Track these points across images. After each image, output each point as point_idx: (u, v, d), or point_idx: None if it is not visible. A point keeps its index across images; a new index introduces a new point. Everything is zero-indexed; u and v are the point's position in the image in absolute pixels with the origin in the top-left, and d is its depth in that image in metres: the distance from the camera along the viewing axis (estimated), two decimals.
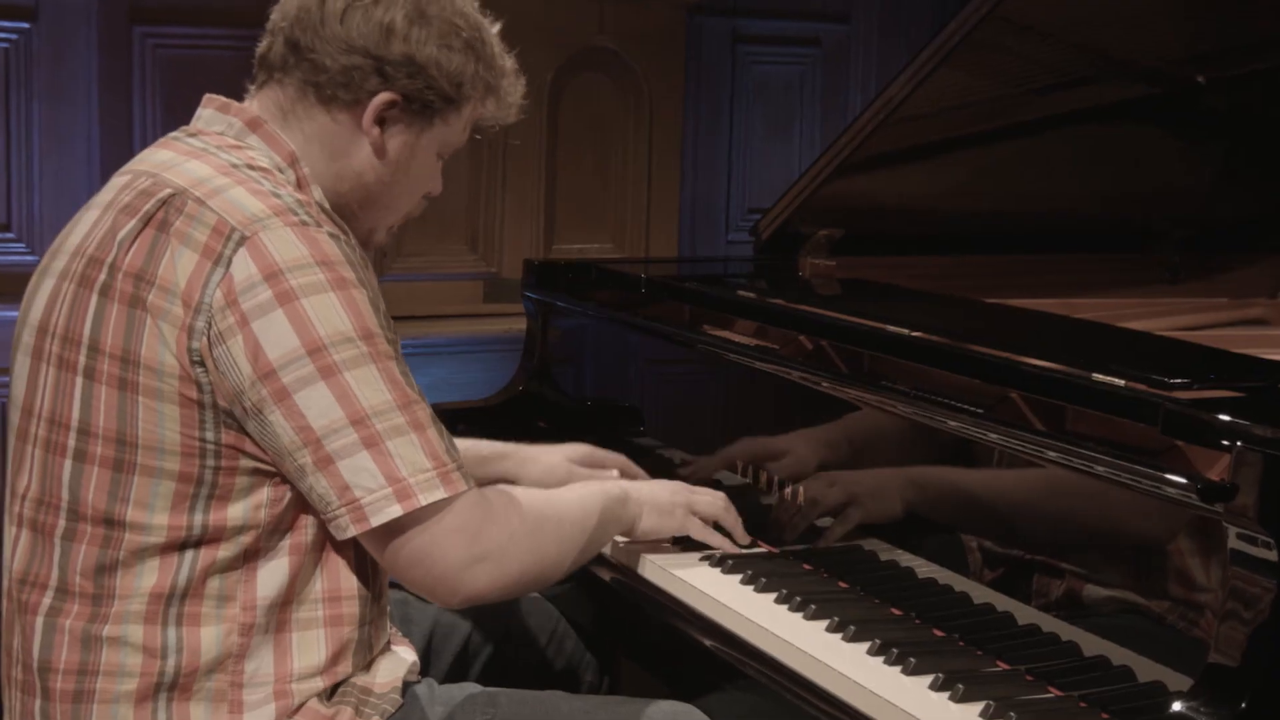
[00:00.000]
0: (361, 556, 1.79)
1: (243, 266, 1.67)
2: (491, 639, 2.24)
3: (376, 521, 1.68)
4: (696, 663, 2.00)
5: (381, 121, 1.84)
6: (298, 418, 1.66)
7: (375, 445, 1.67)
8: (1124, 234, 3.07)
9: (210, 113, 1.87)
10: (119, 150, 3.50)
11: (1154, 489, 1.61)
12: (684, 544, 2.16)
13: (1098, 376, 1.75)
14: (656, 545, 2.17)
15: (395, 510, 1.68)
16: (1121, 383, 1.72)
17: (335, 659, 1.78)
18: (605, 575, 2.17)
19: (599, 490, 2.01)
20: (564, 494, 1.96)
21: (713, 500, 2.15)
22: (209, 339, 1.67)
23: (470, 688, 1.92)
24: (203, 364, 1.67)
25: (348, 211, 1.86)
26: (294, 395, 1.66)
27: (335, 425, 1.67)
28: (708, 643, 1.95)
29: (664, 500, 2.10)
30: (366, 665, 1.83)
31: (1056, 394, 1.78)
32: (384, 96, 1.82)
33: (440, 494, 1.70)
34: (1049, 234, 2.99)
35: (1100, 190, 2.99)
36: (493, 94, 1.92)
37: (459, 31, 1.85)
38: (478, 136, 1.97)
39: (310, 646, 1.76)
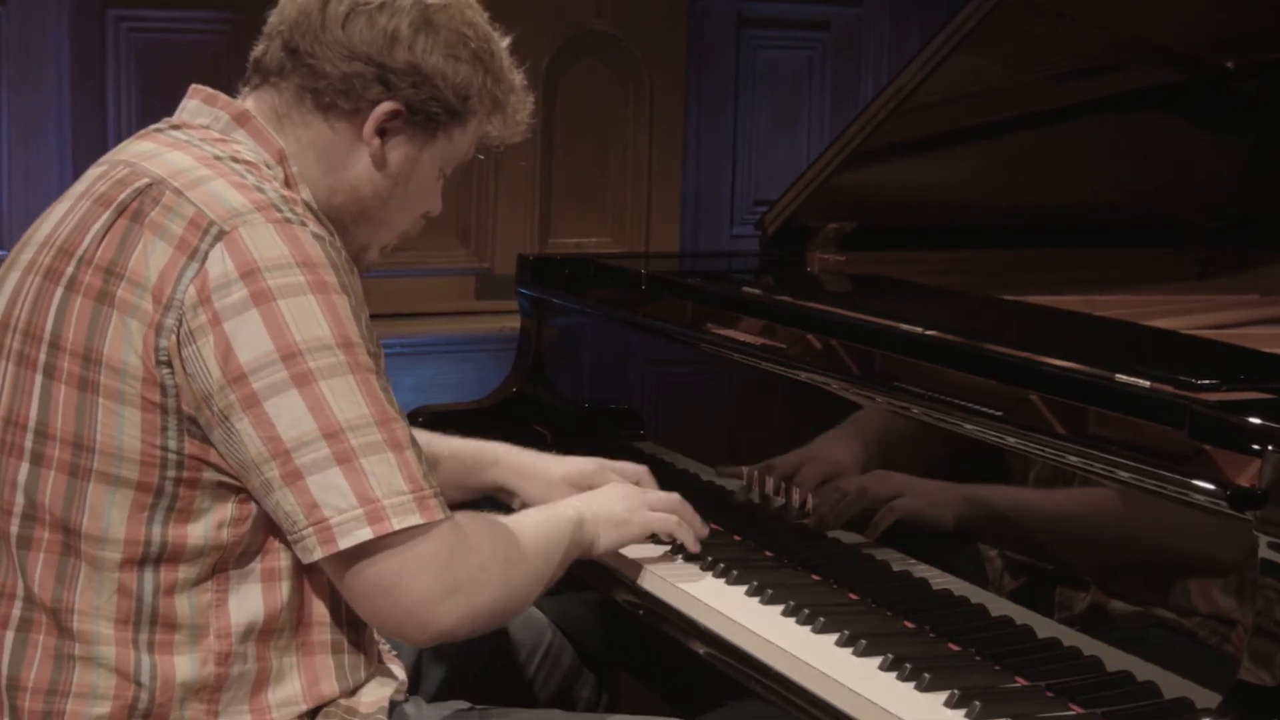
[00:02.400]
0: None
1: (219, 262, 1.66)
2: (484, 654, 2.24)
3: (345, 544, 1.65)
4: (699, 678, 2.00)
5: (382, 133, 1.83)
6: (266, 427, 1.64)
7: (348, 461, 1.65)
8: (1148, 227, 3.07)
9: (196, 104, 1.86)
10: (92, 140, 3.50)
11: (1180, 495, 1.60)
12: (685, 551, 2.16)
13: (1121, 377, 1.75)
14: (655, 555, 2.17)
15: (365, 533, 1.65)
16: (1146, 384, 1.72)
17: (314, 685, 1.77)
18: (603, 587, 2.17)
19: (557, 516, 1.98)
20: (524, 520, 1.93)
21: (667, 497, 2.14)
22: (178, 338, 1.66)
23: (460, 706, 1.92)
24: (169, 365, 1.66)
25: (340, 225, 1.84)
26: (264, 402, 1.64)
27: (306, 438, 1.64)
28: (711, 657, 1.95)
29: (619, 512, 2.07)
30: (352, 687, 1.81)
31: (1078, 395, 1.77)
32: (386, 106, 1.82)
33: (415, 519, 1.67)
34: (1069, 228, 2.99)
35: (1123, 182, 2.98)
36: (500, 110, 1.91)
37: (467, 42, 1.85)
38: (480, 157, 1.97)
39: (286, 676, 1.76)
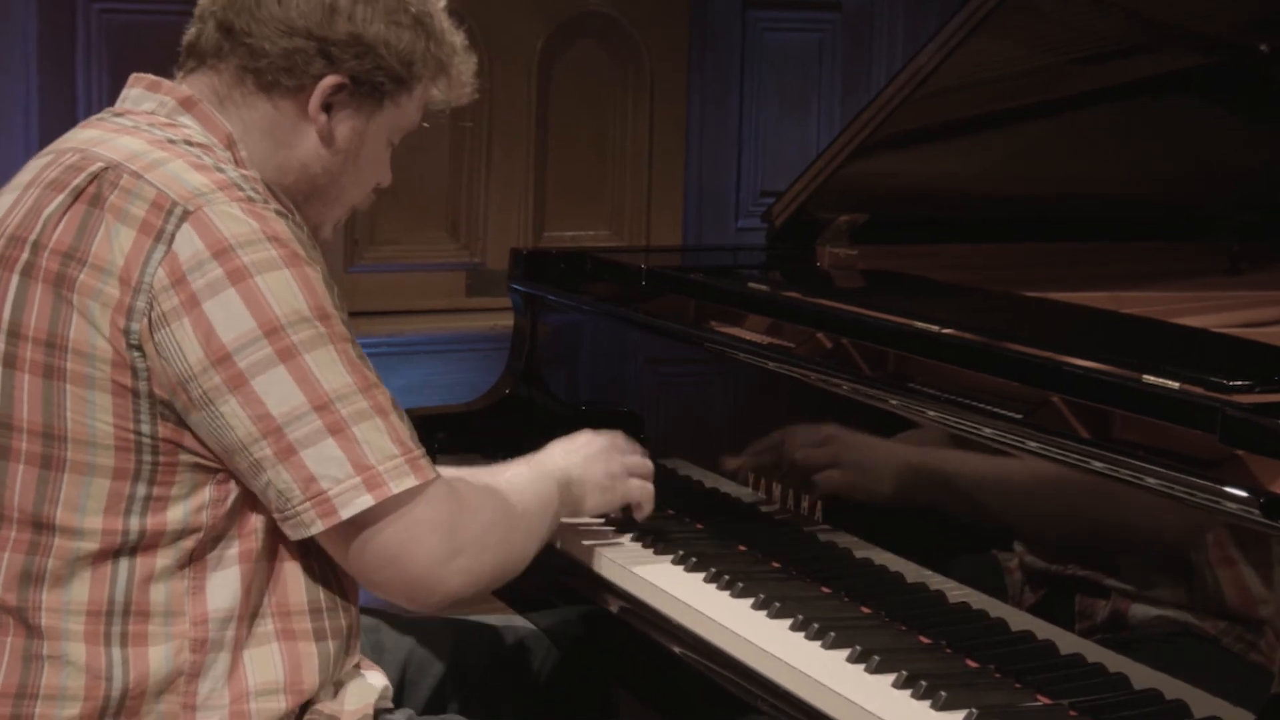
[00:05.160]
0: (324, 563, 1.81)
1: (188, 243, 1.69)
2: (474, 670, 2.24)
3: (346, 514, 1.70)
4: (701, 695, 2.00)
5: (328, 108, 1.87)
6: (256, 405, 1.68)
7: (340, 431, 1.70)
8: (1177, 220, 3.07)
9: (138, 92, 1.90)
10: (62, 128, 3.47)
11: (1211, 503, 1.60)
12: (688, 560, 2.16)
13: (1149, 378, 1.75)
14: (655, 562, 2.17)
15: (366, 500, 1.70)
16: (1175, 385, 1.72)
17: (295, 673, 1.79)
18: (599, 598, 2.17)
19: (546, 474, 2.05)
20: (517, 481, 1.99)
21: (644, 463, 2.21)
22: (150, 321, 1.69)
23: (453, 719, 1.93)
24: (140, 349, 1.69)
25: (293, 205, 1.87)
26: (251, 381, 1.68)
27: (297, 411, 1.69)
28: (714, 674, 1.95)
29: (601, 476, 2.13)
30: (334, 692, 1.83)
31: (1103, 398, 1.77)
32: (331, 80, 1.85)
33: (411, 481, 1.73)
34: (1094, 220, 2.99)
35: (1150, 172, 2.98)
36: (444, 73, 1.96)
37: (407, 7, 1.89)
38: (425, 125, 2.00)
39: (265, 662, 1.78)
